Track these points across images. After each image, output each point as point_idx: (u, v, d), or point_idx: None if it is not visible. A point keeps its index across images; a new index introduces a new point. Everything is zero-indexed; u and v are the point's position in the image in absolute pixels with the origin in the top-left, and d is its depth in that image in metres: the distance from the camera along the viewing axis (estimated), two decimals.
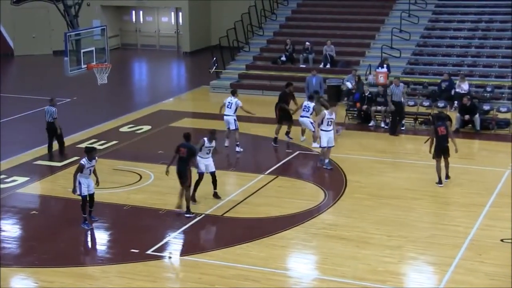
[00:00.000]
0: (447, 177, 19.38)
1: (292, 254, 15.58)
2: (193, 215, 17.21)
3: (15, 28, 40.51)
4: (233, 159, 22.47)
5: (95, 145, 22.67)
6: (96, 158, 17.08)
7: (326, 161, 20.47)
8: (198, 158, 17.61)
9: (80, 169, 16.61)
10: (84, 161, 16.69)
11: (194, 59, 39.89)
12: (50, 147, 22.59)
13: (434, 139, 19.12)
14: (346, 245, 15.64)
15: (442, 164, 19.21)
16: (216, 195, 18.27)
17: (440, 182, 19.10)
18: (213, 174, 18.15)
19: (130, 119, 26.11)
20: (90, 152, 16.84)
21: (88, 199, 16.88)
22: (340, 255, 15.14)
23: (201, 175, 17.94)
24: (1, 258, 15.20)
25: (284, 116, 23.17)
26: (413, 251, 15.36)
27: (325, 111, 20.42)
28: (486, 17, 32.66)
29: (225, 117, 22.51)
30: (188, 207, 17.35)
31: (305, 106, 22.53)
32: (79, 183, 16.65)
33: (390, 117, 24.37)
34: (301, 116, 22.56)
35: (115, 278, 14.26)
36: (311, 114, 22.41)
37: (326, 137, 20.31)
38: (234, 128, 22.51)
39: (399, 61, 30.34)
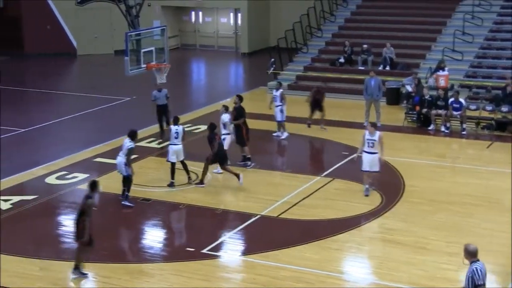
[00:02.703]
0: None
1: (347, 258, 15.47)
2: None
3: (79, 28, 41.18)
4: (290, 160, 22.45)
5: (152, 144, 22.99)
6: None
7: (366, 186, 18.67)
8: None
9: (132, 152, 17.85)
10: (132, 143, 17.80)
11: (252, 60, 39.97)
12: (161, 127, 23.64)
13: None
14: (402, 250, 15.47)
15: None
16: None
17: None
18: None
19: (188, 118, 26.27)
20: (134, 134, 18.12)
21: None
22: (396, 260, 14.98)
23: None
24: (62, 252, 15.49)
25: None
26: None
27: (365, 131, 18.51)
28: None
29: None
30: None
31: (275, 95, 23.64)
32: (130, 165, 17.85)
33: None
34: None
35: (170, 276, 14.37)
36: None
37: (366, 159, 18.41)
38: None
39: (461, 64, 29.86)
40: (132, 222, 17.31)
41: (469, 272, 10.83)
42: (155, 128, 24.27)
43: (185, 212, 17.93)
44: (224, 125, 20.59)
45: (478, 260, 10.93)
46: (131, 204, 17.95)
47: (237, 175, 19.17)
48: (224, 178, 20.10)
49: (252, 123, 22.29)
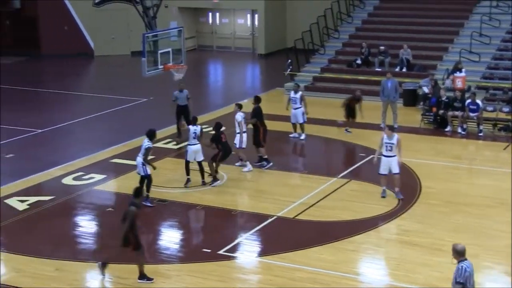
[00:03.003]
0: None
1: (363, 259, 15.45)
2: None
3: (96, 29, 41.34)
4: (306, 161, 22.44)
5: (169, 145, 23.04)
6: None
7: (397, 189, 18.42)
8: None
9: (149, 152, 17.93)
10: (150, 143, 17.91)
11: (269, 61, 39.98)
12: (179, 128, 23.78)
13: None
14: (419, 251, 15.43)
15: None
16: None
17: None
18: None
19: (205, 119, 26.28)
20: (152, 134, 18.23)
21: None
22: (412, 262, 14.95)
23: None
24: (78, 253, 15.58)
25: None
26: (488, 260, 15.04)
27: (384, 135, 18.32)
28: None
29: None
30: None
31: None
32: (148, 164, 17.99)
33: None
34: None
35: (186, 277, 14.40)
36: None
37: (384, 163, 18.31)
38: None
39: (478, 66, 29.73)
40: (149, 223, 17.35)
41: (455, 270, 11.08)
42: (172, 129, 24.34)
43: (202, 213, 17.97)
44: (239, 124, 20.64)
45: (466, 259, 11.13)
46: (150, 205, 18.00)
47: (215, 178, 19.51)
48: (240, 179, 20.13)
49: (268, 124, 22.29)
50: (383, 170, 18.32)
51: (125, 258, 15.11)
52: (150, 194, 18.19)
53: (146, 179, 18.06)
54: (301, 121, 23.75)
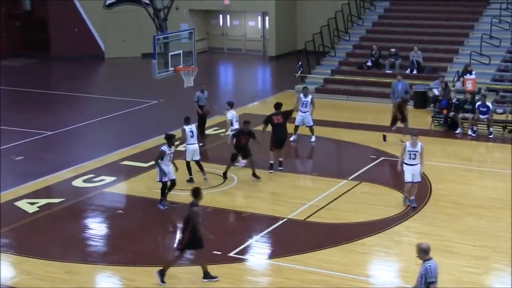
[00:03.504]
0: None
1: (374, 261, 15.42)
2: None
3: (106, 31, 41.43)
4: (316, 163, 22.40)
5: (179, 148, 23.02)
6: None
7: (412, 197, 18.12)
8: (161, 165, 17.80)
9: (161, 155, 17.65)
10: (165, 148, 17.75)
11: (279, 63, 39.97)
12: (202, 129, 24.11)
13: None
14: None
15: None
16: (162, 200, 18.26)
17: None
18: (173, 182, 18.25)
19: (215, 121, 26.31)
20: (170, 139, 17.95)
21: (169, 184, 18.01)
22: None
23: (165, 183, 18.04)
24: (87, 256, 15.61)
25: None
26: (499, 262, 15.00)
27: (406, 142, 18.11)
28: None
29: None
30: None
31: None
32: (160, 170, 17.65)
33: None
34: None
35: (197, 279, 14.39)
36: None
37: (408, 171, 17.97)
38: (312, 124, 23.60)
39: (488, 68, 29.65)
40: (159, 225, 17.38)
41: (422, 270, 11.15)
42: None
43: (212, 215, 17.94)
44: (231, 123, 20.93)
45: (431, 259, 11.24)
46: (162, 207, 17.99)
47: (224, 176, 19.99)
48: (249, 180, 20.12)
49: None
50: (408, 178, 17.87)
51: (133, 260, 15.16)
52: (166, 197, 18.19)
53: (162, 184, 18.00)
54: (311, 123, 23.66)
